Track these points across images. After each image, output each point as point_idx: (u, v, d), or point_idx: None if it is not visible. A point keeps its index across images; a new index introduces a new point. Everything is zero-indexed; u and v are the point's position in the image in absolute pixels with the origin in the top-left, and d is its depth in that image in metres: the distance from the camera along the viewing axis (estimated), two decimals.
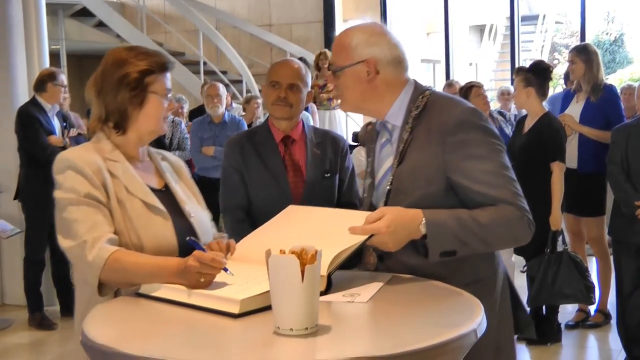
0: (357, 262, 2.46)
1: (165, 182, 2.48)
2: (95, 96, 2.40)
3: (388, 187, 2.39)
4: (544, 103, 5.32)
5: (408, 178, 2.34)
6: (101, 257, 2.16)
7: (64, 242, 2.25)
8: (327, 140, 3.45)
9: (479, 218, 2.23)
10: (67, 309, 6.40)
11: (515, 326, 2.54)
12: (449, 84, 8.62)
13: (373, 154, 2.54)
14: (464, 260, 2.27)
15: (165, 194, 2.44)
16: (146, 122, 2.39)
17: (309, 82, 3.40)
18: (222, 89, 7.36)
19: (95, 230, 2.20)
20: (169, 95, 2.41)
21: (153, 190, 2.40)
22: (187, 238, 2.20)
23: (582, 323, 5.72)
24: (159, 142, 6.15)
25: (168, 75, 2.41)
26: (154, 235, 2.27)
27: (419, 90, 2.43)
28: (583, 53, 5.69)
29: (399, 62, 2.41)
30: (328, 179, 3.37)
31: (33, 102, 6.22)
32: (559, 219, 5.06)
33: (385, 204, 2.38)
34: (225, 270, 2.06)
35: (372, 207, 2.48)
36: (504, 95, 8.30)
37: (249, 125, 8.11)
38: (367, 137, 2.76)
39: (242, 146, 3.37)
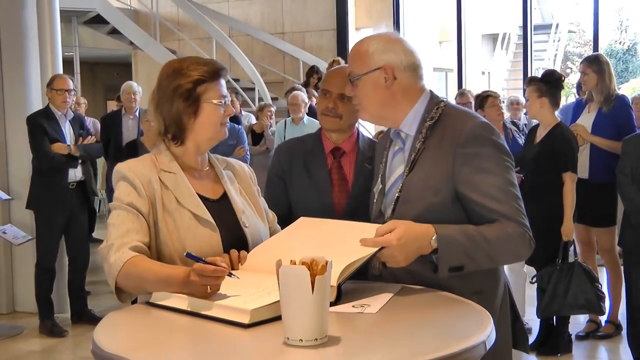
0: (365, 271, 2.45)
1: (225, 191, 2.50)
2: (154, 109, 2.47)
3: (397, 195, 2.41)
4: (556, 113, 5.31)
5: (417, 187, 2.36)
6: (120, 260, 2.21)
7: (102, 245, 2.32)
8: None
9: (486, 234, 2.25)
10: (78, 316, 6.43)
11: (512, 339, 2.54)
12: (461, 93, 8.60)
13: (385, 161, 2.56)
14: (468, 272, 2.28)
15: (221, 204, 2.46)
16: (203, 130, 2.43)
17: None
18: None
19: (126, 236, 2.26)
20: (226, 100, 2.44)
21: (207, 200, 2.43)
22: (185, 253, 2.20)
23: (592, 334, 5.69)
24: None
25: (222, 81, 2.44)
26: (199, 247, 2.28)
27: (434, 100, 2.45)
28: (595, 64, 5.68)
29: (415, 69, 2.43)
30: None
31: (45, 109, 6.26)
32: (571, 229, 5.05)
33: (393, 212, 2.41)
34: (230, 275, 2.07)
35: (380, 214, 2.51)
36: (513, 105, 8.27)
37: (260, 134, 8.13)
38: (379, 146, 2.74)
39: (290, 154, 3.22)
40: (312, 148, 3.22)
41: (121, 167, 2.39)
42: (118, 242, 2.25)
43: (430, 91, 2.49)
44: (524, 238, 2.31)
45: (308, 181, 3.15)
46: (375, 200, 2.58)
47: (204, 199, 2.42)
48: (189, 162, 2.46)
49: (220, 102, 2.42)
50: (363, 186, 3.15)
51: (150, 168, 2.40)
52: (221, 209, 2.44)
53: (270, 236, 2.55)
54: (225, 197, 2.49)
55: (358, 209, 3.00)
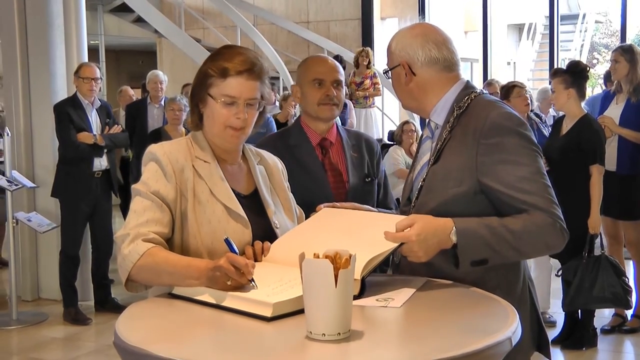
0: (387, 261, 2.43)
1: (256, 187, 2.46)
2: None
3: (421, 184, 2.39)
4: (583, 104, 5.25)
5: (440, 177, 2.34)
6: (136, 252, 2.16)
7: (119, 231, 2.26)
8: (362, 143, 3.30)
9: (510, 226, 2.20)
10: (102, 304, 6.47)
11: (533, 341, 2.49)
12: (489, 83, 8.54)
13: (417, 149, 2.58)
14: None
15: (252, 200, 2.41)
16: (209, 125, 2.37)
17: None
18: None
19: (145, 226, 2.21)
20: (237, 102, 2.31)
21: (238, 195, 2.37)
22: (225, 237, 2.18)
23: (618, 328, 5.65)
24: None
25: (234, 81, 2.30)
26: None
27: (467, 90, 2.42)
28: (628, 53, 5.60)
29: (436, 62, 2.40)
30: (369, 183, 3.23)
31: (72, 97, 6.28)
32: (597, 222, 5.00)
33: (417, 200, 2.38)
34: (251, 281, 2.02)
35: (408, 202, 2.49)
36: (546, 99, 8.13)
37: (284, 124, 8.12)
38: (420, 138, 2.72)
39: (275, 149, 3.08)
40: (298, 141, 3.19)
41: (155, 149, 2.33)
42: (134, 231, 2.19)
43: (467, 81, 2.46)
44: (555, 227, 2.23)
45: (304, 175, 3.08)
46: (404, 188, 2.57)
47: (235, 194, 2.36)
48: (219, 152, 2.40)
49: (222, 102, 2.32)
50: (358, 175, 3.17)
51: (185, 154, 2.33)
52: (252, 205, 2.39)
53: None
54: (256, 193, 2.44)
55: (356, 198, 2.96)
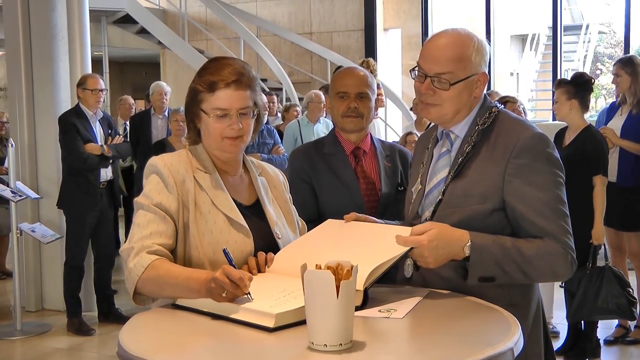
0: (393, 275, 2.43)
1: (258, 198, 2.46)
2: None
3: (439, 198, 2.36)
4: (586, 115, 5.25)
5: (462, 192, 2.31)
6: (140, 265, 2.17)
7: (124, 245, 2.27)
8: (395, 153, 3.33)
9: (522, 249, 2.21)
10: (105, 315, 6.47)
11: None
12: (489, 94, 8.54)
13: (429, 161, 2.50)
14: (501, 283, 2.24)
15: (254, 211, 2.42)
16: (206, 139, 2.39)
17: (375, 89, 3.27)
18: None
19: (149, 239, 2.22)
20: (229, 114, 2.32)
21: (240, 205, 2.38)
22: (223, 249, 2.19)
23: (622, 339, 5.63)
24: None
25: (222, 94, 2.31)
26: (232, 252, 2.22)
27: (487, 105, 2.41)
28: (628, 65, 5.61)
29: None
30: (402, 193, 3.20)
31: (76, 108, 6.29)
32: (601, 233, 5.00)
33: (433, 214, 2.36)
34: (248, 294, 2.01)
35: (417, 215, 2.46)
36: None
37: None
38: (420, 142, 2.66)
39: (309, 157, 3.24)
40: (332, 150, 3.25)
41: (157, 161, 2.34)
42: (138, 245, 2.20)
43: (485, 95, 2.45)
44: (565, 258, 2.24)
45: (337, 183, 3.16)
46: (412, 201, 2.52)
47: (236, 204, 2.37)
48: (219, 164, 2.41)
49: (215, 115, 2.32)
50: (391, 184, 3.18)
51: (186, 165, 2.35)
52: (253, 216, 2.40)
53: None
54: (257, 203, 2.45)
55: (388, 207, 3.07)
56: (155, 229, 2.23)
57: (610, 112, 5.93)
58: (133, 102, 9.49)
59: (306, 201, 3.14)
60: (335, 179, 3.17)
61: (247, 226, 2.33)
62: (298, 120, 7.52)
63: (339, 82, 3.24)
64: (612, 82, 5.98)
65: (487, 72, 2.39)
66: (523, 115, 6.45)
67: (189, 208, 2.29)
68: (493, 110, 2.39)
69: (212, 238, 2.28)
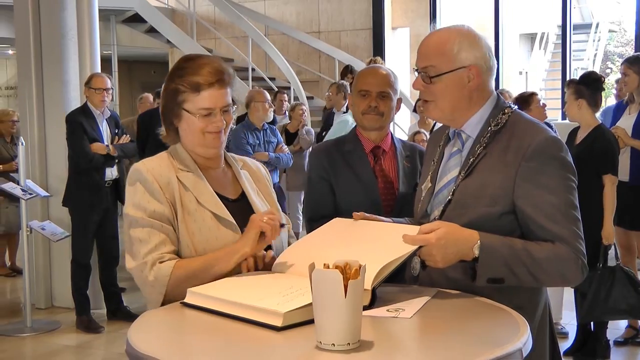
0: (401, 274, 2.42)
1: (243, 191, 2.48)
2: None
3: (449, 198, 2.34)
4: (597, 114, 5.23)
5: (472, 193, 2.29)
6: (163, 275, 2.20)
7: (128, 263, 2.29)
8: (415, 154, 3.34)
9: (532, 252, 2.19)
10: (114, 312, 6.48)
11: None
12: (500, 93, 8.50)
13: (440, 159, 2.48)
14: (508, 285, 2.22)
15: (240, 205, 2.44)
16: (187, 137, 2.41)
17: (398, 89, 3.28)
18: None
19: (155, 251, 2.24)
20: (214, 112, 2.35)
21: (226, 199, 2.40)
22: None
23: (631, 340, 5.61)
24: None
25: (207, 94, 2.34)
26: (221, 247, 2.27)
27: (500, 105, 2.38)
28: (636, 64, 5.58)
29: (493, 71, 2.37)
30: None
31: (83, 107, 6.31)
32: (611, 233, 4.97)
33: (442, 214, 2.34)
34: (282, 225, 2.30)
35: (425, 214, 2.44)
36: None
37: (295, 133, 8.12)
38: (432, 140, 2.64)
39: (329, 154, 3.27)
40: (352, 148, 3.27)
41: (139, 167, 2.35)
42: (149, 259, 2.23)
43: (498, 95, 2.42)
44: (576, 263, 2.22)
45: (355, 180, 3.19)
46: (422, 199, 2.50)
47: (222, 198, 2.39)
48: (201, 161, 2.42)
49: (200, 114, 2.35)
50: (409, 184, 3.20)
51: (168, 167, 2.36)
52: (240, 209, 2.41)
53: (287, 239, 2.55)
54: (243, 196, 2.47)
55: (404, 206, 3.04)
56: (158, 240, 2.26)
57: (617, 111, 5.91)
58: (152, 100, 9.49)
59: (323, 198, 3.20)
60: (353, 177, 3.20)
61: (234, 221, 2.35)
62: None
63: (361, 80, 3.27)
64: (619, 81, 5.95)
65: (483, 66, 2.33)
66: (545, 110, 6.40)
67: (177, 209, 2.31)
68: (506, 111, 2.36)
69: (202, 236, 2.31)
